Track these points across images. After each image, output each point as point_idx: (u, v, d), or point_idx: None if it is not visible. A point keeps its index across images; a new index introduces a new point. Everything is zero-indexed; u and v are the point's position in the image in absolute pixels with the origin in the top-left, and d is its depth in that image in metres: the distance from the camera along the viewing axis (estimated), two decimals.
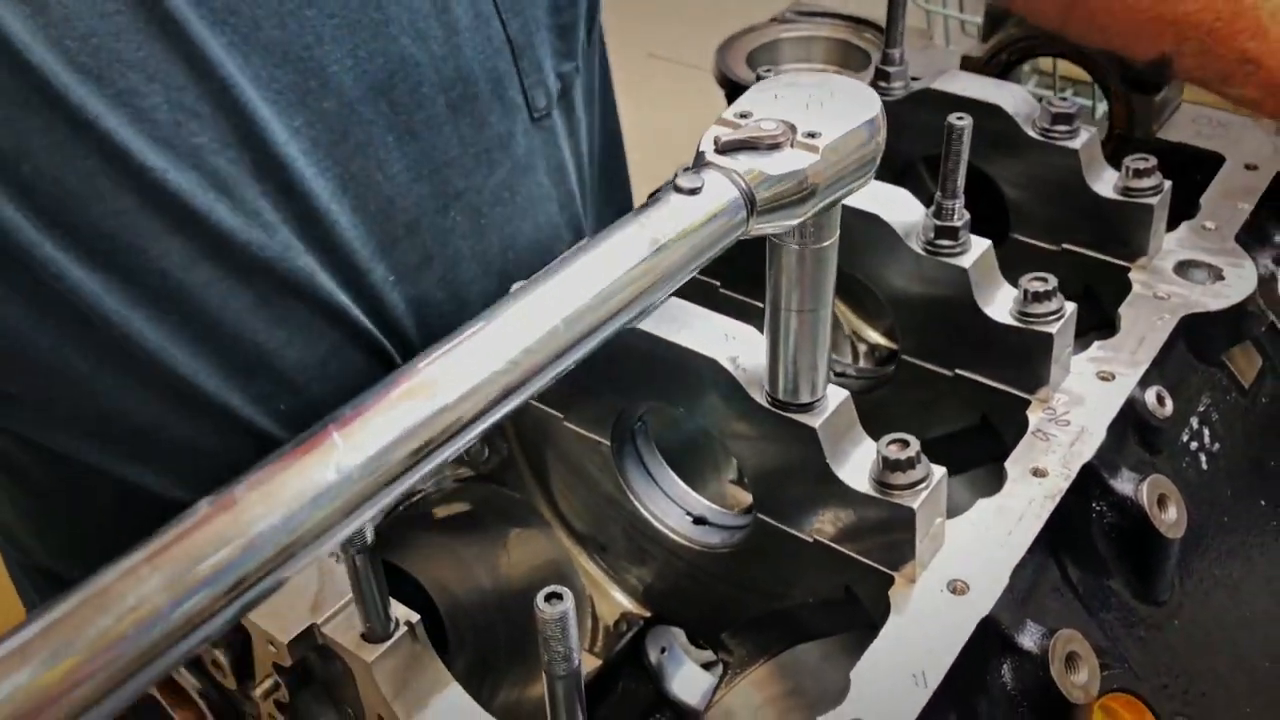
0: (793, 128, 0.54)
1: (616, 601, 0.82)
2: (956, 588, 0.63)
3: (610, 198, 1.16)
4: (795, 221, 0.55)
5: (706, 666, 0.88)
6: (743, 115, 0.55)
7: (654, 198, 0.53)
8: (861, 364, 1.01)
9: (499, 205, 0.91)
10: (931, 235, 0.73)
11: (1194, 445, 0.79)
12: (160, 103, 0.72)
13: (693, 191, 0.52)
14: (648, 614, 0.82)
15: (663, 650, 0.85)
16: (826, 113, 0.55)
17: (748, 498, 0.92)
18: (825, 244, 0.58)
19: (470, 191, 0.89)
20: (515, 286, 0.53)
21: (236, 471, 0.78)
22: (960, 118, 0.70)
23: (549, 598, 0.50)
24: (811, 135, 0.54)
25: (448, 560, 0.85)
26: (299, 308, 0.81)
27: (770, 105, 0.56)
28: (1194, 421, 0.80)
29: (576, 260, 0.50)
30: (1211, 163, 0.97)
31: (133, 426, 0.81)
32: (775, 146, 0.53)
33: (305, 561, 0.40)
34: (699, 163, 0.54)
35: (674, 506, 0.77)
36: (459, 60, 0.85)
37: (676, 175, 0.53)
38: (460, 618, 0.86)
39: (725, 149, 0.54)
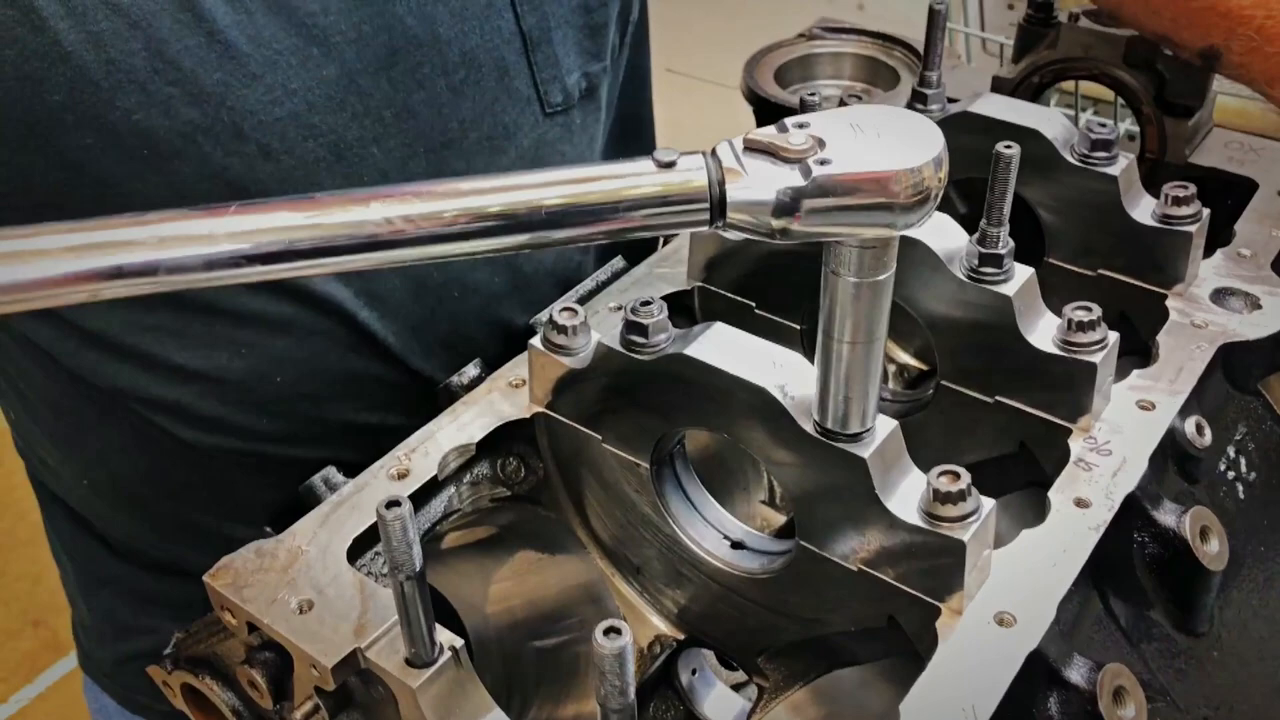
0: (820, 145, 0.54)
1: (651, 624, 0.82)
2: (1003, 620, 0.62)
3: None
4: (774, 238, 0.55)
5: (737, 688, 0.88)
6: (800, 125, 0.55)
7: (628, 160, 0.55)
8: (891, 385, 1.00)
9: None
10: (975, 262, 0.73)
11: (1231, 475, 0.79)
12: (139, 49, 0.73)
13: (665, 165, 0.53)
14: (681, 636, 0.82)
15: (694, 672, 0.85)
16: (867, 148, 0.54)
17: (779, 518, 0.92)
18: (881, 277, 0.57)
19: (470, 176, 0.90)
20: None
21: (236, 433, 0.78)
22: (1008, 146, 0.69)
23: (608, 632, 0.49)
24: (823, 163, 0.54)
25: (479, 579, 0.84)
26: None
27: (830, 125, 0.56)
28: (1231, 451, 0.80)
29: (513, 175, 0.54)
30: (1242, 187, 0.98)
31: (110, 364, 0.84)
32: (789, 161, 0.54)
33: (163, 282, 0.50)
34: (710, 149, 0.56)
35: (712, 530, 0.76)
36: (464, 45, 0.86)
37: (658, 150, 0.55)
38: (488, 637, 0.85)
39: (748, 147, 0.54)
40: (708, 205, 0.54)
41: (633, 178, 0.53)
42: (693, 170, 0.54)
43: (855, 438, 0.63)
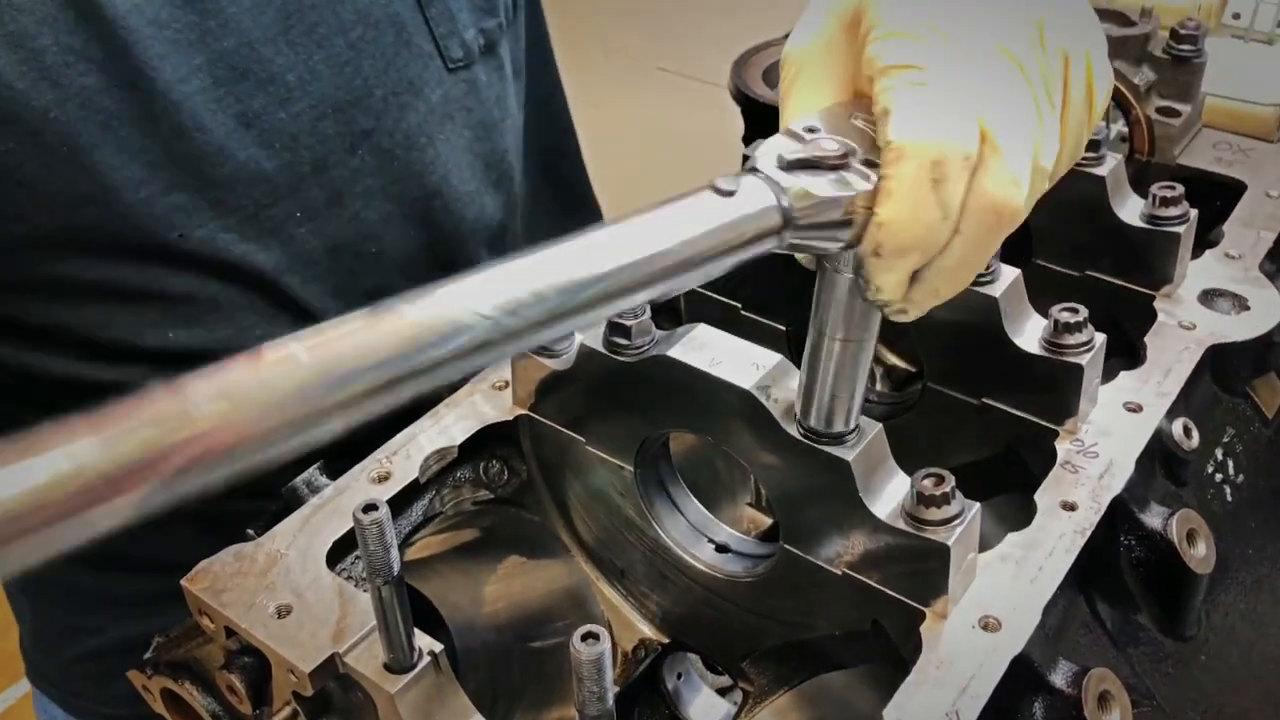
0: (853, 151, 0.53)
1: (636, 628, 0.81)
2: (988, 624, 0.62)
3: (558, 196, 1.16)
4: (836, 246, 0.54)
5: (722, 691, 0.87)
6: (809, 130, 0.55)
7: (685, 194, 0.51)
8: (877, 387, 1.00)
9: (414, 150, 0.93)
10: None
11: (1219, 477, 0.79)
12: (50, 45, 0.74)
13: (728, 194, 0.51)
14: (665, 640, 0.81)
15: (679, 676, 0.84)
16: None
17: (765, 520, 0.92)
18: None
19: (380, 133, 0.91)
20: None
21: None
22: None
23: (585, 638, 0.49)
24: (870, 164, 0.53)
25: (463, 582, 0.83)
26: (180, 242, 0.83)
27: (841, 125, 0.55)
28: (1219, 453, 0.79)
29: (588, 235, 0.48)
30: (1231, 188, 0.97)
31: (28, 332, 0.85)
32: (834, 167, 0.52)
33: (247, 464, 0.38)
34: (746, 168, 0.53)
35: (696, 533, 0.76)
36: (357, 3, 0.88)
37: (717, 178, 0.52)
38: (473, 641, 0.85)
39: (788, 166, 0.52)
40: (779, 228, 0.52)
41: (706, 217, 0.50)
42: (760, 195, 0.51)
43: (838, 439, 0.62)
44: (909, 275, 0.54)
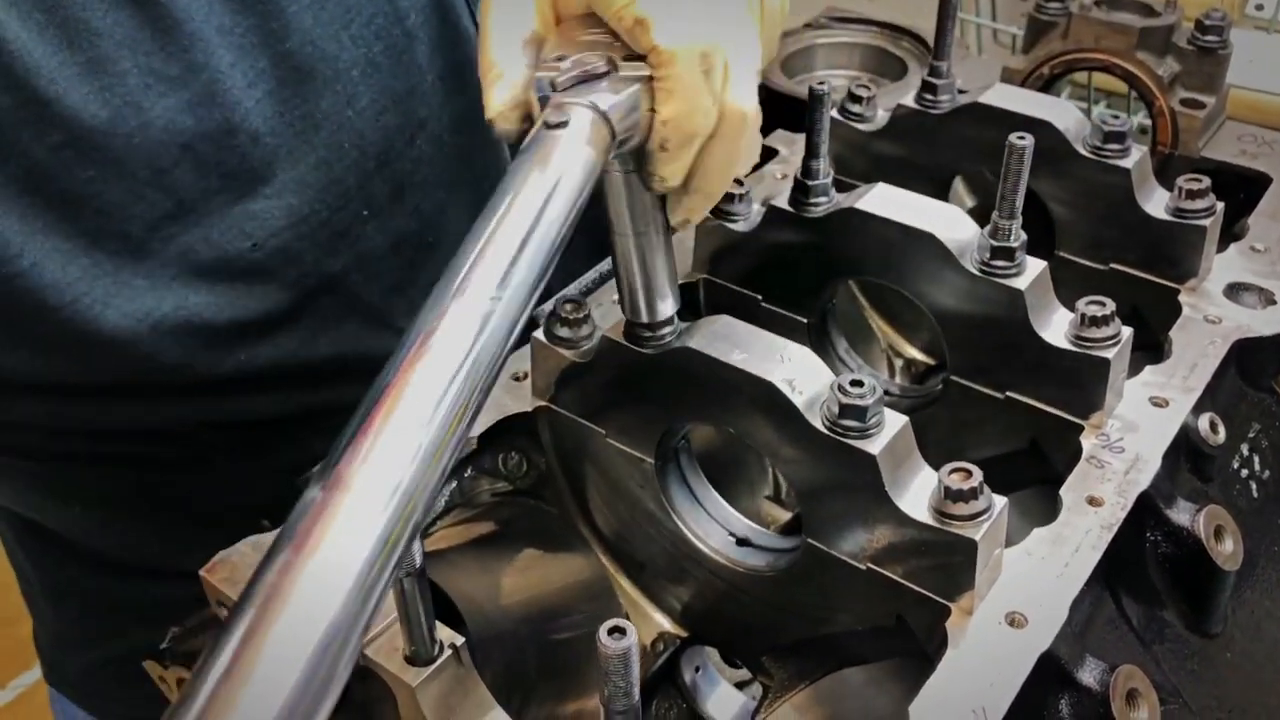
0: (611, 61, 0.60)
1: (654, 621, 0.80)
2: (1015, 620, 0.61)
3: None
4: (629, 147, 0.61)
5: (740, 685, 0.86)
6: (559, 58, 0.60)
7: (530, 143, 0.57)
8: (899, 379, 0.99)
9: (461, 133, 0.92)
10: (987, 255, 0.72)
11: (1245, 473, 0.78)
12: (131, 68, 0.73)
13: (561, 125, 0.56)
14: (684, 634, 0.81)
15: (697, 669, 0.84)
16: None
17: (784, 514, 0.91)
18: None
19: (432, 119, 0.91)
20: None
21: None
22: (1021, 137, 0.68)
23: (612, 632, 0.48)
24: (634, 58, 0.59)
25: (481, 575, 0.83)
26: (252, 253, 0.82)
27: (574, 46, 0.61)
28: (1244, 448, 0.79)
29: (499, 224, 0.54)
30: (1255, 181, 0.96)
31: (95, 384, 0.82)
32: (605, 75, 0.59)
33: None
34: (546, 102, 0.59)
35: (717, 527, 0.75)
36: None
37: (545, 114, 0.58)
38: (489, 633, 0.84)
39: (564, 86, 0.58)
40: (609, 143, 0.58)
41: (562, 154, 0.56)
42: (583, 117, 0.57)
43: (864, 433, 0.61)
44: (691, 161, 0.62)
